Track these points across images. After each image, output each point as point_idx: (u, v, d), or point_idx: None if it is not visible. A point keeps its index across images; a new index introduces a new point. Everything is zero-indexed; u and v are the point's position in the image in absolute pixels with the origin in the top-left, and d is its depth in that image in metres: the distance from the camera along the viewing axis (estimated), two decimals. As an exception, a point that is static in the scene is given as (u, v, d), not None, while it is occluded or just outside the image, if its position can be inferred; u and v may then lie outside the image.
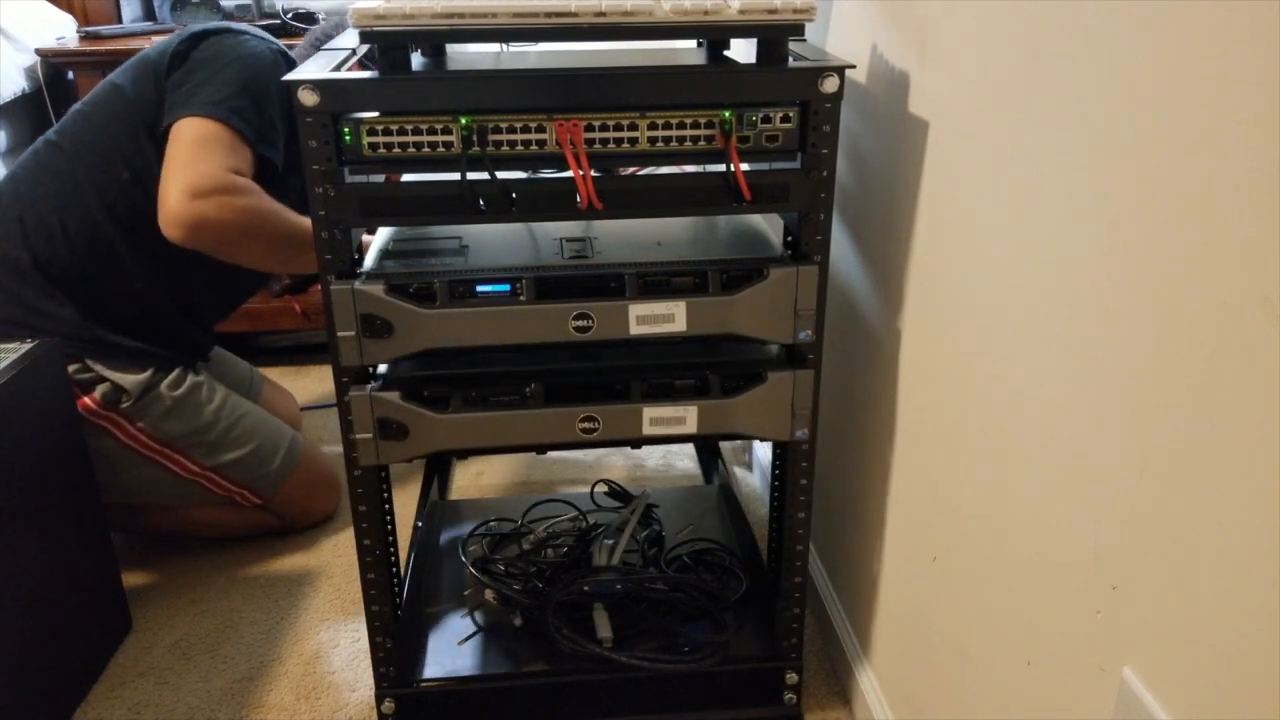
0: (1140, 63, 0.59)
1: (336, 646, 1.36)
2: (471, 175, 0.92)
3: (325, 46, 1.06)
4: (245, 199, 1.29)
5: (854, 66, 0.94)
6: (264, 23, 2.05)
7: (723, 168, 0.95)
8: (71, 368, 1.36)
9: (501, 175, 0.92)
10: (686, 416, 1.02)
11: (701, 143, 0.93)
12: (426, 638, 1.21)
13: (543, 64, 0.96)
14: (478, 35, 0.89)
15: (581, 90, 0.91)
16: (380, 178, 0.99)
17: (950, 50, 0.87)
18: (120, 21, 2.27)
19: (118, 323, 1.42)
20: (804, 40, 1.08)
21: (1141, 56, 0.59)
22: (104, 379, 1.40)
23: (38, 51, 2.06)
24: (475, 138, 0.91)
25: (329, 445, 1.85)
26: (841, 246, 1.18)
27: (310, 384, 2.10)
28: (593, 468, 1.78)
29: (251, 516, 1.57)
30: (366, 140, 0.91)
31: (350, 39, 1.10)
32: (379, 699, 1.14)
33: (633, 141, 0.93)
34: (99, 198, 1.38)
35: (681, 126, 0.93)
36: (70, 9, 2.32)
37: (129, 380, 1.41)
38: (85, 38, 2.10)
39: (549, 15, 0.87)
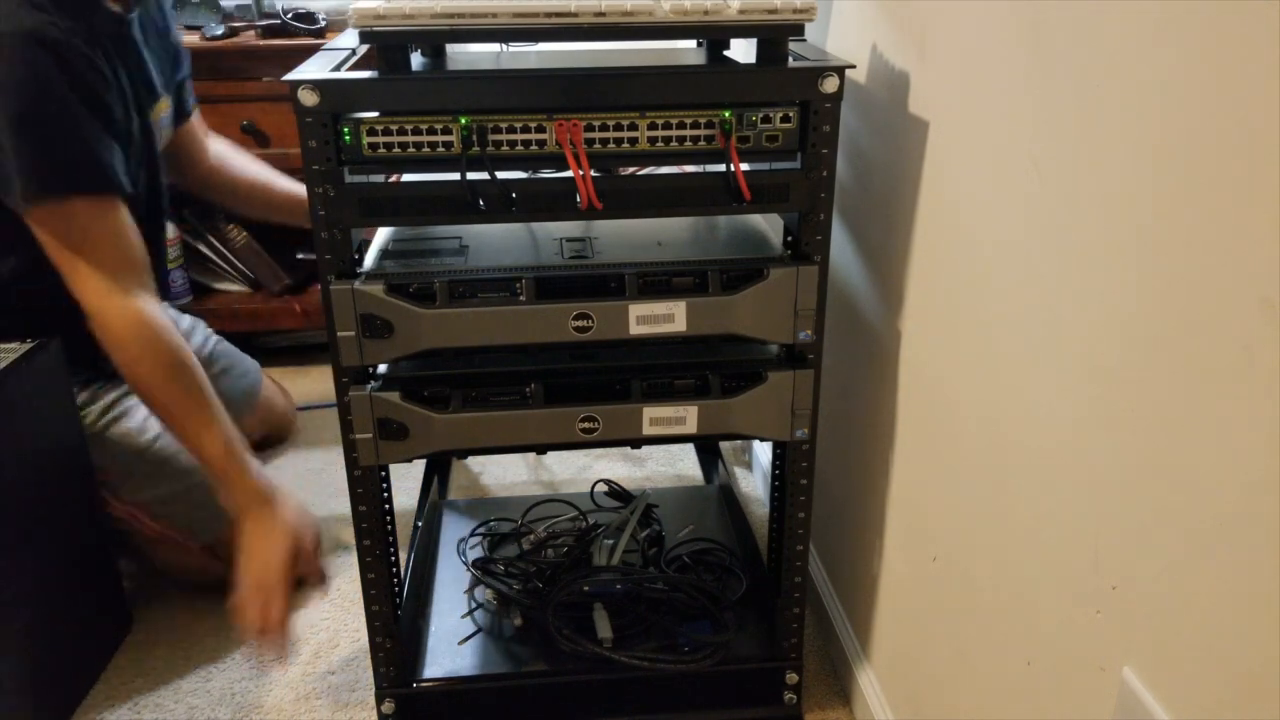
0: (1140, 62, 0.59)
1: (336, 646, 1.36)
2: (471, 175, 0.92)
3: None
4: (160, 343, 1.20)
5: (854, 66, 0.94)
6: (264, 23, 2.04)
7: (723, 168, 0.95)
8: None
9: (501, 175, 0.92)
10: (686, 416, 1.02)
11: (701, 143, 0.93)
12: (426, 638, 1.21)
13: (543, 64, 0.96)
14: (478, 35, 0.89)
15: (581, 90, 0.91)
16: (380, 178, 0.99)
17: (951, 50, 0.87)
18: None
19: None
20: (804, 40, 1.08)
21: (1142, 56, 0.59)
22: None
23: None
24: (475, 138, 0.91)
25: (328, 446, 1.85)
26: (841, 246, 1.18)
27: (310, 384, 2.10)
28: (593, 468, 1.78)
29: (198, 562, 1.40)
30: (366, 140, 0.91)
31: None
32: (379, 699, 1.14)
33: (633, 141, 0.93)
34: None
35: (681, 126, 0.93)
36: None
37: None
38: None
39: (549, 15, 0.87)
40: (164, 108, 1.42)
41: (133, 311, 1.18)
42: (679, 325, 0.99)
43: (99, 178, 1.19)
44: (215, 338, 1.70)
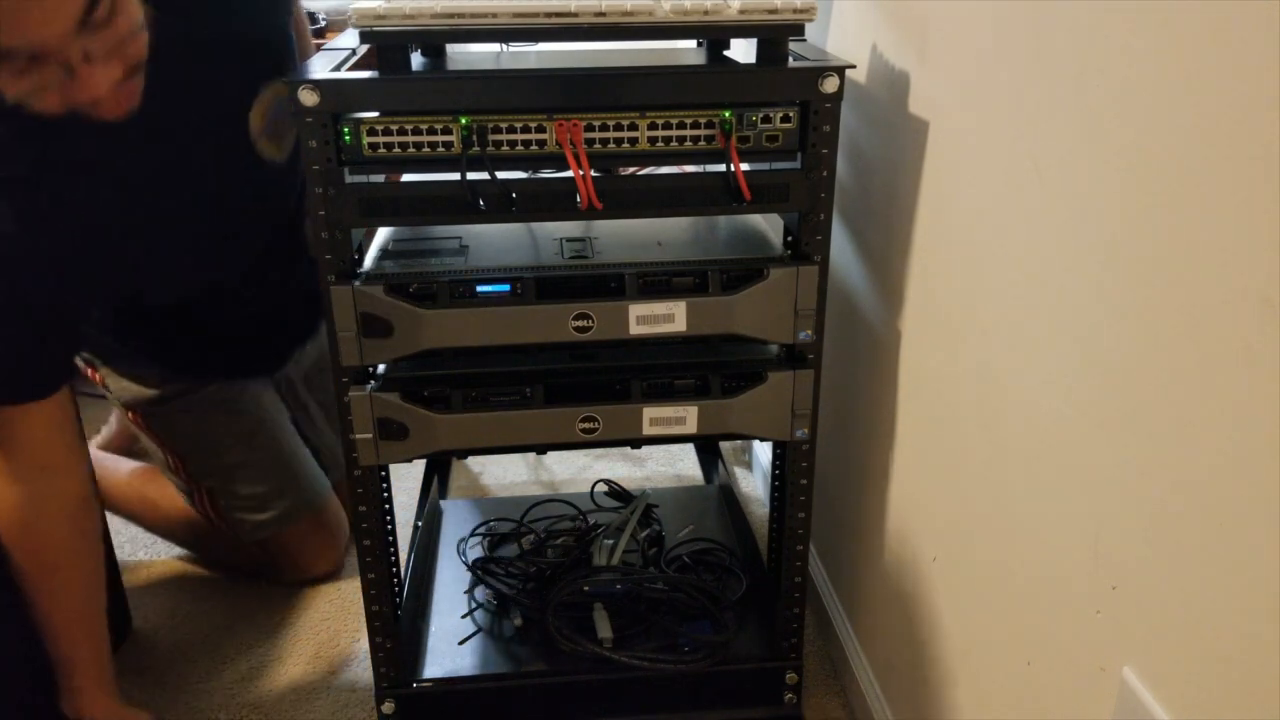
0: (1140, 62, 0.59)
1: (336, 646, 1.36)
2: (471, 175, 0.92)
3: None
4: (39, 541, 1.08)
5: (854, 66, 0.94)
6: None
7: (723, 168, 0.95)
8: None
9: (501, 175, 0.92)
10: (686, 416, 1.02)
11: (701, 143, 0.93)
12: (426, 638, 1.21)
13: (543, 64, 0.96)
14: (478, 35, 0.89)
15: (581, 90, 0.91)
16: (381, 177, 0.99)
17: (950, 50, 0.87)
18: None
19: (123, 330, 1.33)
20: (804, 40, 1.08)
21: (1141, 56, 0.59)
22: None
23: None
24: (475, 138, 0.91)
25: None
26: (841, 246, 1.18)
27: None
28: (593, 468, 1.78)
29: (242, 545, 1.44)
30: (366, 140, 0.91)
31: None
32: (379, 699, 1.14)
33: (633, 141, 0.93)
34: None
35: (681, 126, 0.93)
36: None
37: (122, 387, 1.36)
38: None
39: (549, 15, 0.87)
40: (271, 95, 1.16)
41: (22, 508, 1.06)
42: (679, 325, 0.99)
43: (20, 384, 1.03)
44: None
